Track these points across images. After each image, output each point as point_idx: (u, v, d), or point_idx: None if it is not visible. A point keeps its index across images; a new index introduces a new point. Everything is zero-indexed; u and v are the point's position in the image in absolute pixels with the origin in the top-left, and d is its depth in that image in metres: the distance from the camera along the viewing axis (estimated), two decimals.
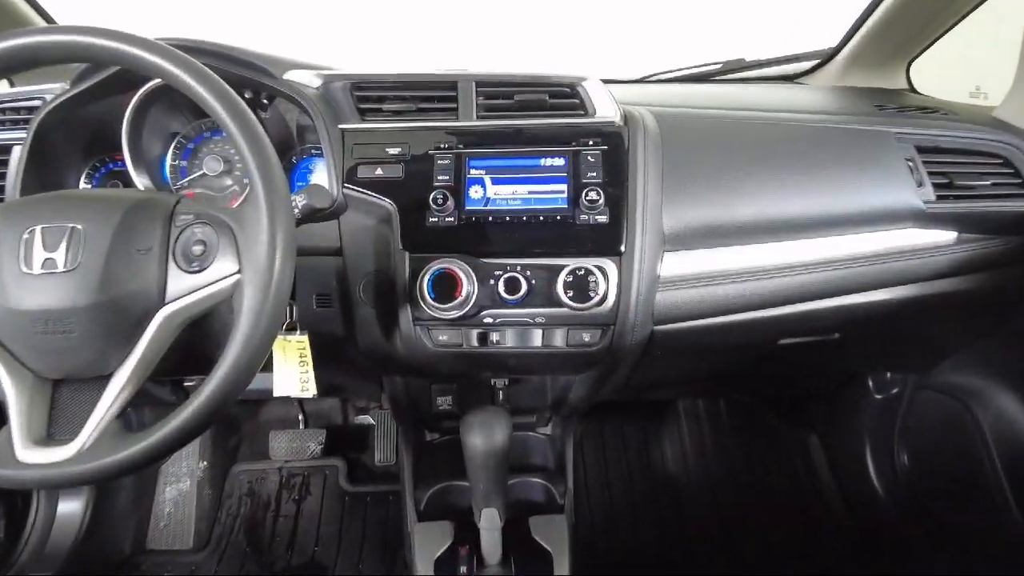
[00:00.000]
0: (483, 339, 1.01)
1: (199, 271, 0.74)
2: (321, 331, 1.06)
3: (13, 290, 0.72)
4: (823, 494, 1.67)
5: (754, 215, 1.03)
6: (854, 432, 1.62)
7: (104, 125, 1.13)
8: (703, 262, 1.03)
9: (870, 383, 1.58)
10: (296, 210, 0.88)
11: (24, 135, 1.08)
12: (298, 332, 0.98)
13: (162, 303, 0.74)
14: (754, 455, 1.73)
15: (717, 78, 1.73)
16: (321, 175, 1.17)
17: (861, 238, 1.07)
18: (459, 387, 1.23)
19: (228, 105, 0.74)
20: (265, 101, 1.10)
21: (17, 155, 1.09)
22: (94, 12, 1.84)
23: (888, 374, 1.54)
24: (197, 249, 0.74)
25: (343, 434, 1.75)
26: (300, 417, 1.77)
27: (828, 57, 1.65)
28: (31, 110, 1.11)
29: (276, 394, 0.96)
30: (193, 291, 0.74)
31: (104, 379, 0.77)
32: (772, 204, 1.04)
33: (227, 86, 0.75)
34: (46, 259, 0.72)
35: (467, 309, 0.96)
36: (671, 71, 1.76)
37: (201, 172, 1.16)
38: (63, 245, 0.72)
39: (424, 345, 1.01)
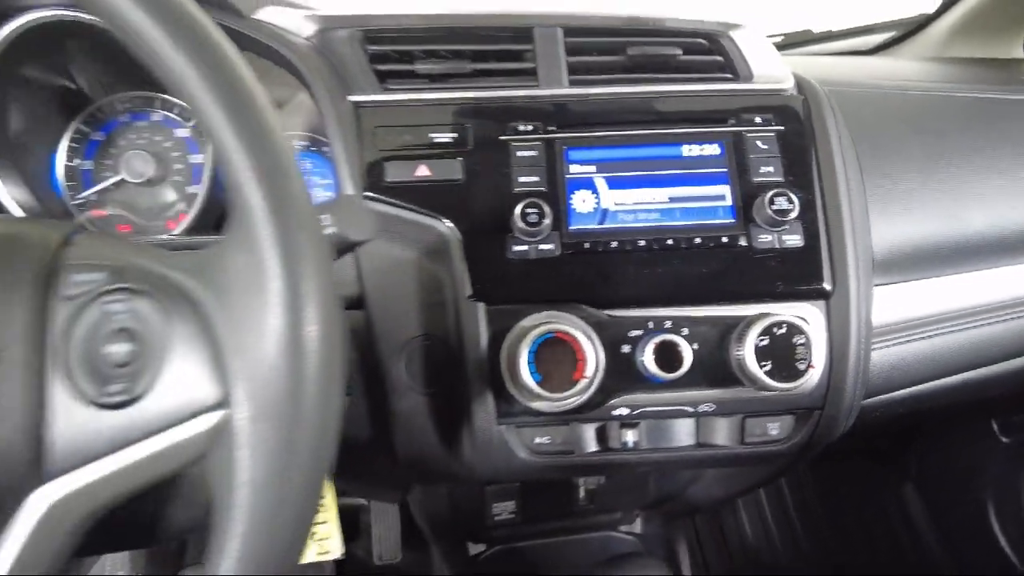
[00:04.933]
0: (604, 438, 0.62)
1: (125, 402, 0.32)
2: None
3: None
4: (932, 561, 1.35)
5: (986, 226, 0.69)
6: (968, 484, 1.31)
7: None
8: (922, 299, 0.68)
9: (993, 423, 1.28)
10: None
11: None
12: None
13: (38, 479, 0.32)
14: (845, 511, 1.40)
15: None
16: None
17: None
18: (523, 489, 0.83)
19: (199, 48, 0.33)
20: None
21: None
22: None
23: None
24: (118, 351, 0.32)
25: None
26: None
27: (919, 26, 1.35)
28: None
29: None
30: (114, 450, 0.32)
31: None
32: (1010, 209, 0.70)
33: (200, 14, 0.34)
34: None
35: (590, 394, 0.57)
36: None
37: (118, 178, 0.73)
38: None
39: (512, 454, 0.61)
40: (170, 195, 0.75)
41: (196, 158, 0.75)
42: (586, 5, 0.71)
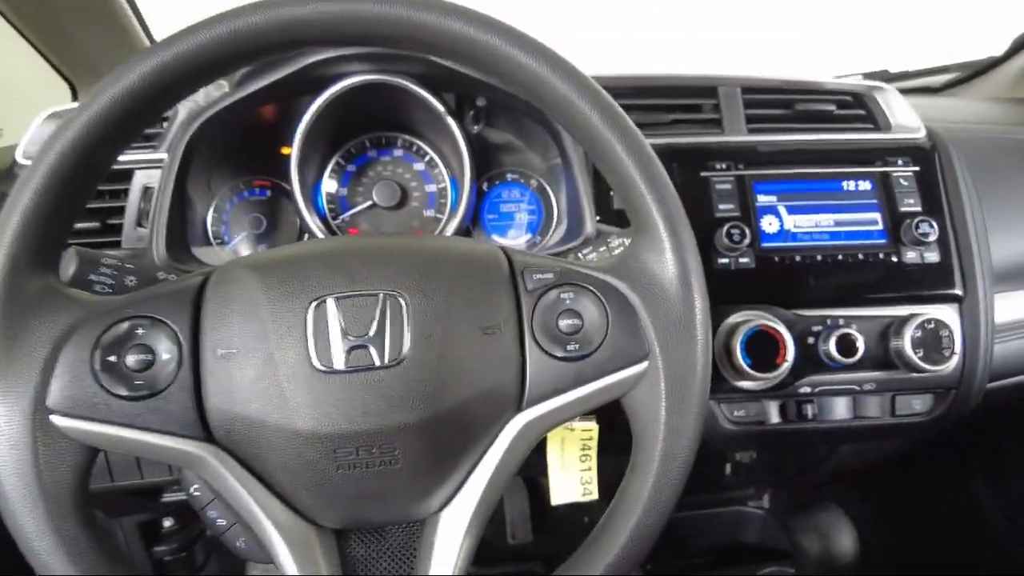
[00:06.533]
0: (784, 413, 0.79)
1: (579, 357, 0.50)
2: None
3: (300, 399, 0.46)
4: (1003, 551, 1.48)
5: None
6: None
7: (252, 142, 0.86)
8: None
9: None
10: None
11: (152, 156, 0.81)
12: (579, 417, 0.73)
13: (519, 407, 0.50)
14: (919, 511, 1.54)
15: None
16: (513, 207, 0.94)
17: None
18: None
19: (601, 104, 0.51)
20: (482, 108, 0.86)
21: (140, 185, 0.82)
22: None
23: None
24: (568, 324, 0.50)
25: None
26: None
27: (986, 68, 1.52)
28: (161, 121, 0.83)
29: (554, 502, 0.72)
30: (572, 388, 0.50)
31: (412, 527, 0.52)
32: None
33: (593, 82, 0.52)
34: (352, 348, 0.47)
35: (784, 376, 0.74)
36: None
37: (369, 203, 0.91)
38: (375, 325, 0.47)
39: (717, 423, 0.78)
40: (409, 218, 0.93)
41: (430, 187, 0.93)
42: (745, 69, 0.89)
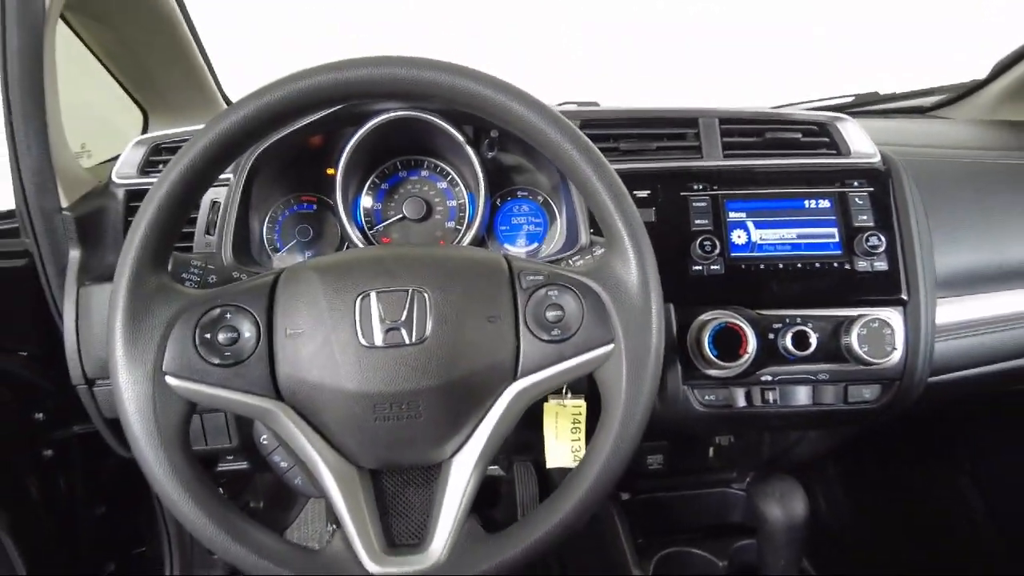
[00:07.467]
0: (749, 398, 0.92)
1: (560, 340, 0.64)
2: None
3: (349, 368, 0.61)
4: (988, 549, 1.56)
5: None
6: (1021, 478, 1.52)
7: (302, 163, 1.03)
8: (975, 308, 0.96)
9: None
10: None
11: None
12: (571, 395, 0.88)
13: (514, 378, 0.65)
14: (898, 506, 1.63)
15: (851, 111, 1.69)
16: (522, 219, 1.09)
17: None
18: (670, 447, 1.13)
19: (581, 146, 0.65)
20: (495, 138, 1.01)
21: (208, 199, 0.98)
22: None
23: None
24: (553, 315, 0.65)
25: None
26: None
27: (970, 90, 1.62)
28: None
29: (549, 465, 0.86)
30: (554, 363, 0.64)
31: (431, 469, 0.67)
32: None
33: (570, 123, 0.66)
34: (388, 330, 0.62)
35: (747, 366, 0.88)
36: (800, 103, 1.71)
37: (399, 216, 1.06)
38: (405, 313, 0.62)
39: (690, 407, 0.92)
40: (433, 228, 1.08)
41: (451, 203, 1.08)
42: (722, 101, 1.02)
